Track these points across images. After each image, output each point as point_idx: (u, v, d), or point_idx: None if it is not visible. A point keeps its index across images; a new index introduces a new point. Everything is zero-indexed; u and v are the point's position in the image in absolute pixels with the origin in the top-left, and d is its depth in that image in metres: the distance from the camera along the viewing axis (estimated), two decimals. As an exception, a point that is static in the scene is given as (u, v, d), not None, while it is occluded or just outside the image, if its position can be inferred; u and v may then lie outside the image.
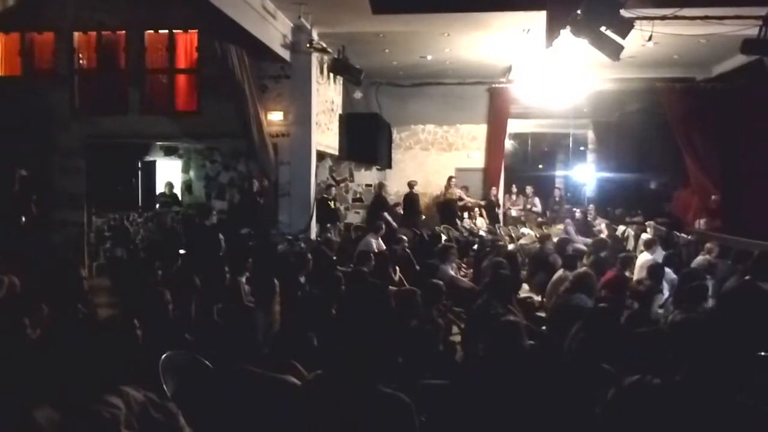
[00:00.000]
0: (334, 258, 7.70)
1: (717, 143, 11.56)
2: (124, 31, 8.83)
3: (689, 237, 9.80)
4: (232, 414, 2.86)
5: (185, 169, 11.21)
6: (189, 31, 8.80)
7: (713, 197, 11.43)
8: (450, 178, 13.17)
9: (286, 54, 9.15)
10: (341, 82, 12.06)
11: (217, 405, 2.87)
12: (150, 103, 9.11)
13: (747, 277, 4.89)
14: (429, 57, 11.32)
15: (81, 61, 9.10)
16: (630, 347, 3.75)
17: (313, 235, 9.61)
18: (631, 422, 2.37)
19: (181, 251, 7.33)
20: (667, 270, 6.10)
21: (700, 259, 6.99)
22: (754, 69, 9.13)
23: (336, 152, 11.87)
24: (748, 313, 3.70)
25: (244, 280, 5.68)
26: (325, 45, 9.30)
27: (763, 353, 3.06)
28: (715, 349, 2.32)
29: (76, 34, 8.91)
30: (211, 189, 11.03)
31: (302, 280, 6.11)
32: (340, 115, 11.99)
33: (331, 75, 11.04)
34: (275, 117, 9.53)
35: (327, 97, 11.26)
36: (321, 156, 11.32)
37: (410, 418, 2.41)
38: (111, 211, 9.86)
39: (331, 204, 11.44)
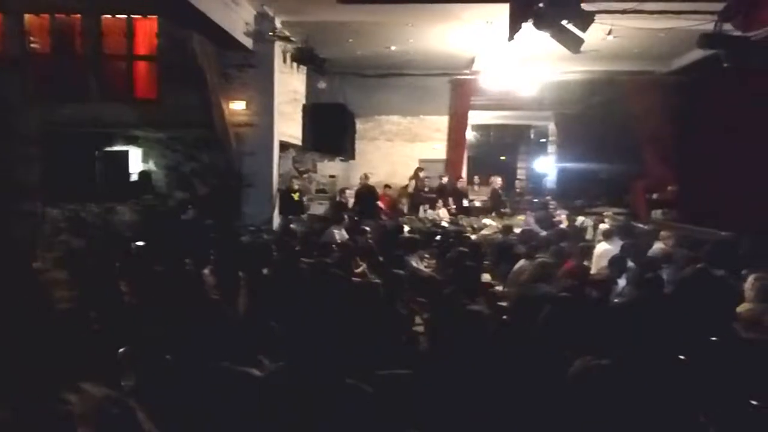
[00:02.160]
0: (298, 249, 7.65)
1: (674, 135, 11.85)
2: (79, 15, 8.56)
3: (647, 227, 10.05)
4: (194, 408, 2.82)
5: (145, 159, 10.96)
6: (148, 16, 8.58)
7: (670, 188, 11.74)
8: (418, 170, 13.21)
9: (249, 42, 9.01)
10: (305, 71, 11.94)
11: (178, 399, 2.82)
12: (109, 90, 8.88)
13: (701, 265, 5.05)
14: (393, 48, 11.30)
15: (33, 45, 8.79)
16: (590, 334, 3.82)
17: (276, 227, 9.53)
18: (585, 401, 2.42)
19: (139, 243, 7.17)
20: (625, 259, 6.23)
21: (656, 248, 7.16)
22: (710, 63, 9.37)
23: (299, 143, 11.77)
24: (702, 299, 3.82)
25: (207, 272, 5.60)
26: (288, 34, 9.20)
27: (715, 338, 3.18)
28: (666, 332, 2.40)
29: (27, 16, 8.59)
30: (173, 179, 10.82)
31: (265, 272, 6.05)
32: (303, 105, 11.89)
33: (295, 64, 10.92)
34: (238, 106, 9.39)
35: (291, 86, 11.14)
36: (284, 146, 11.21)
37: (372, 408, 2.42)
38: (68, 201, 9.58)
39: (295, 195, 11.36)
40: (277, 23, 8.97)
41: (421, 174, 13.11)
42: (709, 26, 7.81)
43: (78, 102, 8.69)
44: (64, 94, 8.79)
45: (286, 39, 9.21)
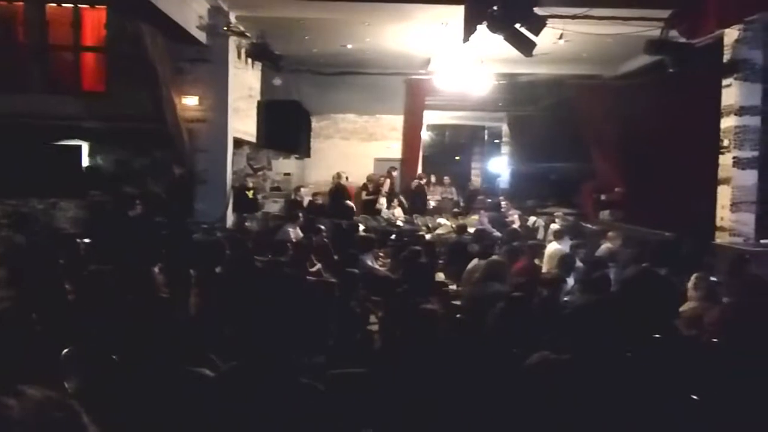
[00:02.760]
0: (252, 248, 7.55)
1: (621, 138, 12.22)
2: (21, 3, 8.22)
3: (595, 227, 10.34)
4: (142, 410, 2.75)
5: (93, 154, 10.61)
6: (96, 6, 8.31)
7: (617, 189, 12.11)
8: (391, 169, 13.27)
9: (202, 36, 8.84)
10: (260, 67, 11.80)
11: (125, 401, 2.75)
12: (54, 81, 8.56)
13: (645, 265, 5.23)
14: (350, 46, 11.28)
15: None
16: (541, 332, 3.91)
17: (229, 225, 9.39)
18: (536, 396, 2.47)
19: (86, 240, 6.94)
20: (574, 258, 6.40)
21: (603, 248, 7.38)
22: (656, 68, 9.71)
23: (254, 140, 11.62)
24: (647, 298, 3.95)
25: (157, 270, 5.47)
26: (243, 29, 9.07)
27: (658, 335, 3.30)
28: (611, 330, 2.47)
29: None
30: (122, 175, 10.50)
31: (218, 270, 5.95)
32: (259, 102, 11.74)
33: (250, 60, 10.78)
34: (191, 102, 9.20)
35: (245, 82, 10.99)
36: (238, 143, 11.05)
37: (326, 407, 2.41)
38: (9, 196, 9.18)
39: (249, 193, 11.22)
40: (232, 18, 8.83)
41: (394, 173, 13.25)
42: (656, 33, 8.10)
43: (20, 93, 8.34)
44: (5, 84, 8.43)
45: (240, 34, 9.08)
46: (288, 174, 13.65)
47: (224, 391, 2.56)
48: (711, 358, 3.02)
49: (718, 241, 8.28)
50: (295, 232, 8.61)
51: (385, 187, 13.18)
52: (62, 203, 9.42)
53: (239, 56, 10.08)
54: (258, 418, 2.38)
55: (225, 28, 8.74)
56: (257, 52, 9.45)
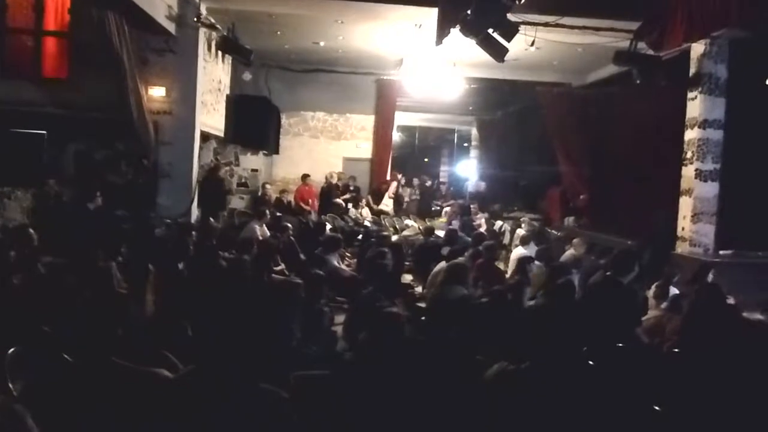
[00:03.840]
0: (216, 244, 7.41)
1: (587, 146, 12.40)
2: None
3: (560, 233, 10.46)
4: (94, 412, 2.64)
5: (52, 143, 10.24)
6: (60, -9, 8.05)
7: (582, 196, 12.28)
8: (396, 172, 13.93)
9: (171, 27, 8.64)
10: (230, 61, 11.61)
11: (76, 403, 2.63)
12: (13, 67, 8.24)
13: (608, 273, 5.28)
14: (322, 43, 11.19)
15: None
16: (503, 337, 3.91)
17: (194, 220, 9.19)
18: (499, 403, 2.46)
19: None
20: (538, 264, 6.45)
21: (567, 254, 7.46)
22: (623, 79, 9.88)
23: (222, 134, 11.43)
24: (609, 306, 3.99)
25: (115, 265, 5.30)
26: (213, 21, 8.89)
27: (621, 344, 3.33)
28: (575, 337, 2.47)
29: None
30: (83, 166, 10.17)
31: (181, 266, 5.81)
32: (227, 96, 11.55)
33: (220, 54, 10.60)
34: (157, 93, 8.99)
35: (214, 75, 10.80)
36: (205, 137, 10.86)
37: (286, 413, 2.35)
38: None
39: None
40: (203, 9, 8.65)
41: (400, 178, 13.96)
42: (625, 44, 8.23)
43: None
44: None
45: (210, 26, 8.89)
46: (255, 170, 13.48)
47: (181, 394, 2.47)
48: (672, 367, 3.06)
49: (678, 251, 8.45)
50: (261, 230, 8.48)
51: (392, 190, 13.45)
52: (18, 192, 9.07)
53: (209, 49, 9.89)
54: (215, 424, 2.31)
55: (195, 20, 8.55)
56: (227, 46, 9.28)
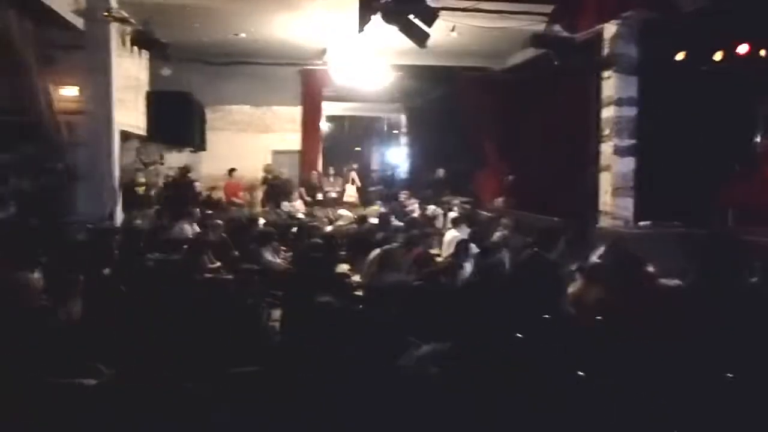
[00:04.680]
0: (143, 246, 7.17)
1: (512, 128, 12.74)
2: None
3: (489, 214, 10.72)
4: (15, 427, 2.52)
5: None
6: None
7: (509, 177, 12.62)
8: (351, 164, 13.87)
9: (78, 22, 8.20)
10: (147, 56, 11.18)
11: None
12: None
13: (534, 249, 5.46)
14: (242, 35, 10.96)
15: None
16: (438, 318, 3.98)
17: (118, 223, 8.84)
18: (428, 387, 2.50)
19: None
20: (471, 245, 6.60)
21: (497, 234, 7.66)
22: (542, 61, 10.18)
23: (144, 133, 11.02)
24: (536, 281, 4.14)
25: (36, 275, 5.04)
26: (126, 15, 8.52)
27: (547, 316, 3.46)
28: (503, 313, 2.54)
29: None
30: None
31: (106, 272, 5.60)
32: (147, 93, 11.14)
33: (136, 48, 10.16)
34: (68, 92, 8.55)
35: (131, 72, 10.35)
36: (126, 137, 10.43)
37: (217, 413, 2.32)
38: None
39: (140, 189, 10.65)
40: (113, 2, 8.28)
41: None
42: (541, 27, 8.48)
43: None
44: None
45: (122, 20, 8.51)
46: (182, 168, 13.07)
47: (108, 400, 2.39)
48: (595, 334, 3.21)
49: (601, 224, 8.83)
50: (190, 229, 8.27)
51: (357, 181, 13.75)
52: None
53: (123, 44, 9.46)
54: (144, 426, 2.25)
55: (105, 14, 8.17)
56: (142, 40, 8.91)
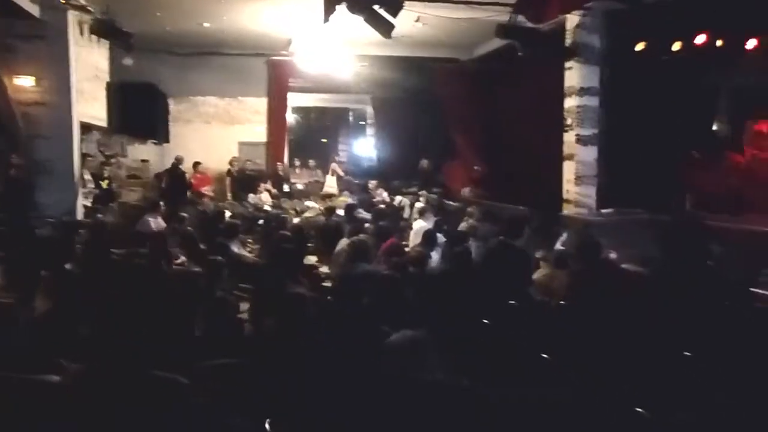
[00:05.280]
0: (108, 241, 7.04)
1: (478, 118, 12.84)
2: None
3: (457, 204, 10.81)
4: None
5: None
6: None
7: (476, 168, 12.74)
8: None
9: (35, 10, 7.97)
10: (108, 46, 10.92)
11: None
12: None
13: (501, 237, 5.55)
14: (207, 24, 10.77)
15: None
16: (408, 307, 4.01)
17: (79, 217, 8.66)
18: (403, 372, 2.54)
19: None
20: (438, 234, 6.66)
21: (464, 223, 7.74)
22: (508, 51, 10.28)
23: (105, 124, 10.79)
24: (503, 268, 4.22)
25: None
26: (84, 2, 8.30)
27: (514, 302, 3.53)
28: (473, 299, 2.59)
29: None
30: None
31: (69, 266, 5.49)
32: (108, 84, 10.90)
33: (95, 38, 9.92)
34: (25, 83, 8.31)
35: (90, 62, 10.11)
36: (87, 128, 10.20)
37: (187, 400, 2.32)
38: None
39: (103, 183, 10.45)
40: (70, -10, 8.08)
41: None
42: (506, 18, 8.54)
43: None
44: None
45: (81, 8, 8.30)
46: (145, 161, 12.84)
47: (74, 395, 2.36)
48: (560, 319, 3.29)
49: (565, 212, 8.99)
50: (156, 222, 8.15)
51: (339, 171, 13.68)
52: None
53: (81, 33, 9.23)
54: (114, 418, 2.23)
55: (63, 2, 7.95)
56: (102, 29, 8.69)
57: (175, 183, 11.70)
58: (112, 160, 11.99)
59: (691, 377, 2.52)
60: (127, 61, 11.24)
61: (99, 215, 8.85)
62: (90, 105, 9.82)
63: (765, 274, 4.30)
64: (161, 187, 11.69)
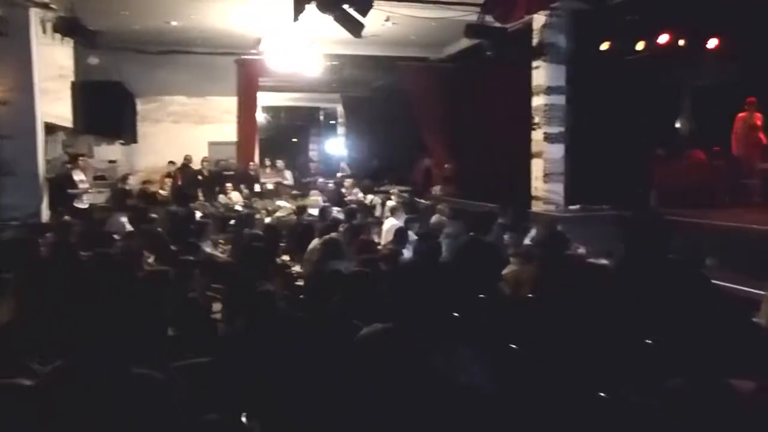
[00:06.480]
0: (74, 242, 6.92)
1: (448, 117, 12.97)
2: None
3: (428, 202, 10.91)
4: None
5: None
6: None
7: (446, 166, 12.86)
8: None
9: (-5, 8, 7.81)
10: (72, 44, 10.71)
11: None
12: None
13: (472, 234, 5.64)
14: (174, 23, 10.66)
15: None
16: (380, 303, 4.05)
17: (45, 219, 8.50)
18: (373, 365, 2.58)
19: None
20: (409, 232, 6.72)
21: (434, 220, 7.81)
22: (476, 51, 10.41)
23: (70, 125, 10.59)
24: (473, 263, 4.30)
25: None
26: (47, 0, 8.15)
27: (484, 296, 3.61)
28: (444, 294, 2.64)
29: None
30: None
31: (36, 270, 5.38)
32: (73, 83, 10.70)
33: (60, 36, 9.73)
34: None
35: (54, 61, 9.92)
36: (51, 129, 10.00)
37: (165, 397, 2.32)
38: None
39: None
40: (33, -13, 7.92)
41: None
42: (474, 17, 8.66)
43: None
44: None
45: (43, 6, 8.13)
46: (113, 161, 12.63)
47: (47, 396, 2.34)
48: (528, 312, 3.37)
49: (534, 209, 9.14)
50: (124, 223, 8.05)
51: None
52: None
53: (44, 31, 9.04)
54: (89, 418, 2.22)
55: (25, -1, 7.80)
56: (66, 27, 8.53)
57: (189, 180, 12.08)
58: (80, 161, 11.75)
59: (652, 363, 2.63)
60: (93, 60, 11.06)
61: (66, 217, 8.69)
62: (54, 105, 9.64)
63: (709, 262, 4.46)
64: (178, 185, 11.91)
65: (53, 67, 9.77)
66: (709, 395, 2.09)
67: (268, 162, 14.45)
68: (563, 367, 2.61)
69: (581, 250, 5.98)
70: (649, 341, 2.77)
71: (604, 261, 5.29)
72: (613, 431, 2.23)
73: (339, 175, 13.75)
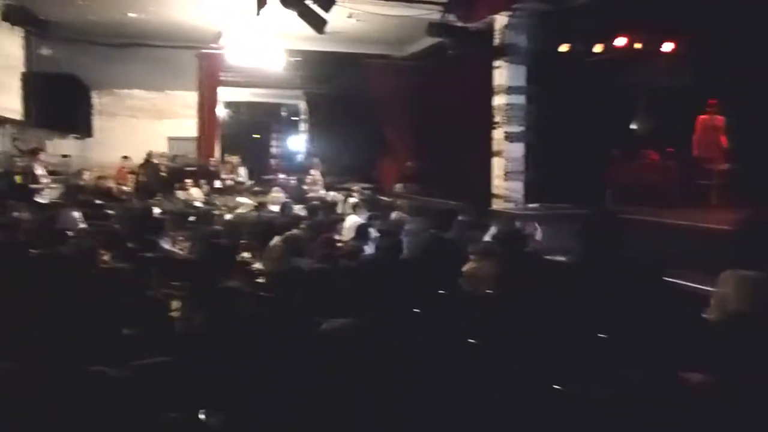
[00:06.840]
0: (24, 240, 6.70)
1: (411, 115, 13.02)
2: None
3: (390, 199, 10.94)
4: None
5: None
6: None
7: (409, 163, 12.92)
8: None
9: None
10: (23, 34, 10.35)
11: None
12: None
13: (433, 231, 5.68)
14: (132, 15, 10.41)
15: None
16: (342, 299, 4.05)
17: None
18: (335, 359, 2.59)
19: None
20: (371, 229, 6.73)
21: (395, 217, 7.84)
22: (439, 50, 10.47)
23: (20, 117, 10.24)
24: (433, 260, 4.33)
25: None
26: (-4, -12, 7.87)
27: (444, 292, 3.65)
28: (404, 291, 2.66)
29: None
30: None
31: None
32: (23, 74, 10.35)
33: (7, 24, 9.37)
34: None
35: (2, 50, 9.56)
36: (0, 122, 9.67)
37: (121, 395, 2.28)
38: None
39: (18, 178, 9.91)
40: (-19, -26, 7.63)
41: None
42: (437, 16, 8.72)
43: None
44: None
45: (-8, -7, 7.86)
46: (67, 156, 12.27)
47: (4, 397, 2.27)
48: (487, 307, 3.42)
49: (494, 207, 9.27)
50: (81, 219, 7.83)
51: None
52: None
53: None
54: (49, 416, 2.16)
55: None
56: (15, 16, 8.25)
57: (152, 176, 11.93)
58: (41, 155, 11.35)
59: (607, 357, 2.70)
60: (46, 51, 10.73)
61: (14, 213, 8.40)
62: (2, 96, 9.30)
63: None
64: (141, 181, 11.80)
65: (1, 57, 9.43)
66: (660, 386, 2.16)
67: (227, 158, 14.26)
68: (521, 361, 2.66)
69: (538, 236, 6.17)
70: (604, 336, 2.85)
71: (561, 258, 5.41)
72: (569, 422, 2.29)
73: (312, 172, 13.54)
